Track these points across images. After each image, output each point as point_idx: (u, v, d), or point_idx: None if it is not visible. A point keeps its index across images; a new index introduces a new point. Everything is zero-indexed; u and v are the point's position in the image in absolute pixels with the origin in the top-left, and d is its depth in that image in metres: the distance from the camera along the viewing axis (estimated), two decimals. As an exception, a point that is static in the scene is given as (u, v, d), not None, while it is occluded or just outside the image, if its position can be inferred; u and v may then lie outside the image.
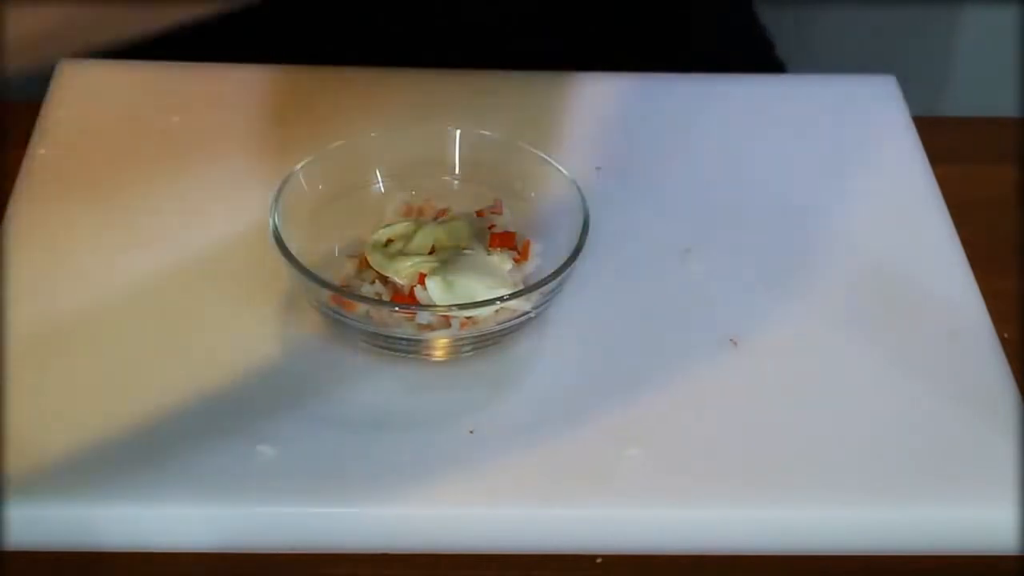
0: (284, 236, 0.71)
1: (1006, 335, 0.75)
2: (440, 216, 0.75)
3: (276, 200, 0.72)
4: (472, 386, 0.71)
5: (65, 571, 0.65)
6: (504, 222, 0.75)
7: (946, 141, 0.87)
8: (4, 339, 0.71)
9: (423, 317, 0.69)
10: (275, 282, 0.74)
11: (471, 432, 0.69)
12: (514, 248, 0.74)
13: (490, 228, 0.75)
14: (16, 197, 0.79)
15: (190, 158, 0.83)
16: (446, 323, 0.69)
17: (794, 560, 0.67)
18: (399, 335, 0.70)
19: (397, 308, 0.70)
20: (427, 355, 0.71)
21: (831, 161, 0.85)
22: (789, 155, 0.85)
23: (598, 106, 0.88)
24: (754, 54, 1.04)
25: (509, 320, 0.70)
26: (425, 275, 0.70)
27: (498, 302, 0.69)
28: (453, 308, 0.69)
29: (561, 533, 0.67)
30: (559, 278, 0.70)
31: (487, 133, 0.78)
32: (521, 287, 0.71)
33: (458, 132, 0.78)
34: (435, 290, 0.70)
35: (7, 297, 0.73)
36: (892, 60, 1.00)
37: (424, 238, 0.72)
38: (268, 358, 0.71)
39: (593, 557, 0.67)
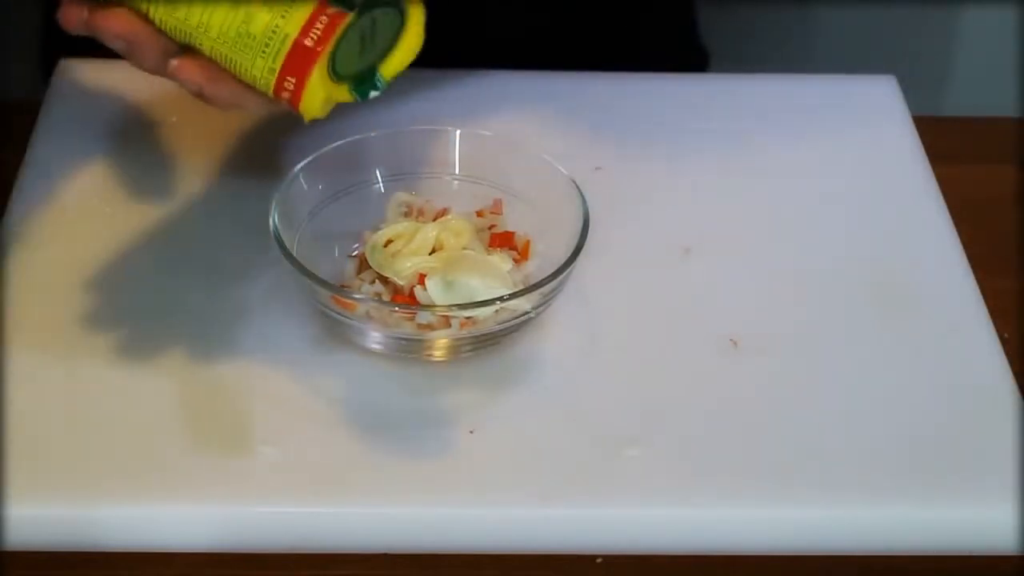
0: (284, 236, 0.71)
1: (1006, 335, 0.75)
2: (440, 216, 0.75)
3: (276, 200, 0.72)
4: (472, 386, 0.71)
5: (65, 571, 0.65)
6: (504, 222, 0.75)
7: (946, 141, 0.87)
8: (4, 339, 0.71)
9: (423, 317, 0.69)
10: (275, 282, 0.74)
11: (471, 432, 0.69)
12: (514, 248, 0.74)
13: (490, 228, 0.75)
14: (16, 197, 0.79)
15: (190, 158, 0.83)
16: (446, 323, 0.69)
17: (794, 560, 0.67)
18: (399, 335, 0.70)
19: (397, 308, 0.70)
20: (427, 355, 0.71)
21: (831, 161, 0.85)
22: (789, 155, 0.85)
23: (598, 106, 0.87)
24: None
25: (509, 320, 0.70)
26: (425, 275, 0.70)
27: (498, 302, 0.69)
28: (453, 308, 0.69)
29: (561, 533, 0.67)
30: (559, 278, 0.70)
31: (487, 133, 0.78)
32: (521, 287, 0.71)
33: (458, 132, 0.78)
34: (435, 290, 0.70)
35: (7, 297, 0.73)
36: (892, 60, 1.00)
37: (424, 238, 0.72)
38: (268, 358, 0.71)
39: (593, 557, 0.67)
